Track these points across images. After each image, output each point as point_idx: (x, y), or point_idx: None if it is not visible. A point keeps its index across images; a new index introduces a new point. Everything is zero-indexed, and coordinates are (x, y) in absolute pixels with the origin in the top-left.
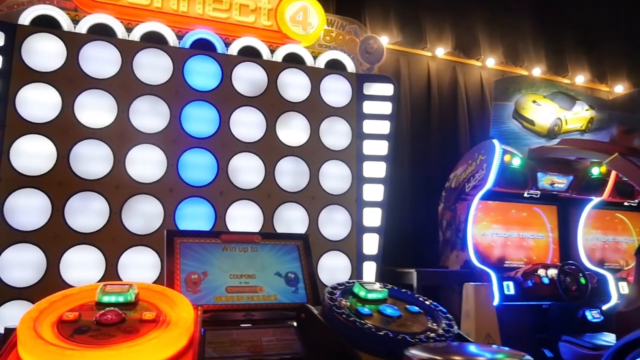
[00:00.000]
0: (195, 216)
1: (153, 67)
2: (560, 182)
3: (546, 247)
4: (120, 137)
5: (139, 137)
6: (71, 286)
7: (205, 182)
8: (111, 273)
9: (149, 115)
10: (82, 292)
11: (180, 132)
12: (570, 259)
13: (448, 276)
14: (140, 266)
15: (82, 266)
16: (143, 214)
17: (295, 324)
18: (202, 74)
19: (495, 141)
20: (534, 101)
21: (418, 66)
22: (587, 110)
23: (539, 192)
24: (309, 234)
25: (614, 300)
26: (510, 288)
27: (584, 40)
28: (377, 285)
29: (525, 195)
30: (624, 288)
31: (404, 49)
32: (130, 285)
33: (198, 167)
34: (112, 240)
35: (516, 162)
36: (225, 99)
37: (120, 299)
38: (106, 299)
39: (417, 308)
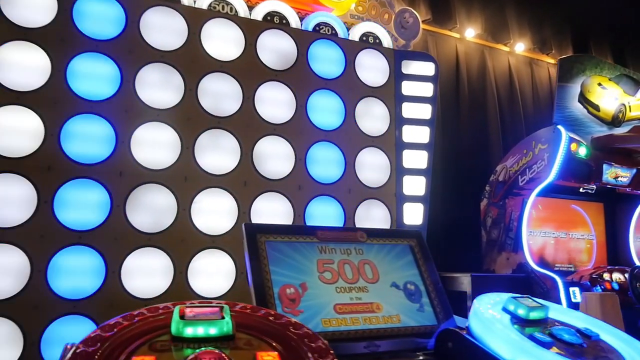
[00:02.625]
0: (213, 210)
1: (163, 29)
2: (624, 175)
3: (590, 248)
4: (127, 113)
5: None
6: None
7: (226, 170)
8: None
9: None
10: (154, 316)
11: (198, 108)
12: (619, 261)
13: (507, 281)
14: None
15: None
16: (152, 207)
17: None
18: (221, 39)
19: (561, 128)
20: (599, 84)
21: (446, 48)
22: None
23: (594, 187)
24: (420, 231)
25: None
26: (577, 295)
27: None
28: (529, 300)
29: (581, 190)
30: None
31: (433, 29)
32: (220, 307)
33: (218, 151)
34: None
35: (582, 151)
36: (248, 71)
37: (212, 331)
38: (190, 331)
39: (585, 327)
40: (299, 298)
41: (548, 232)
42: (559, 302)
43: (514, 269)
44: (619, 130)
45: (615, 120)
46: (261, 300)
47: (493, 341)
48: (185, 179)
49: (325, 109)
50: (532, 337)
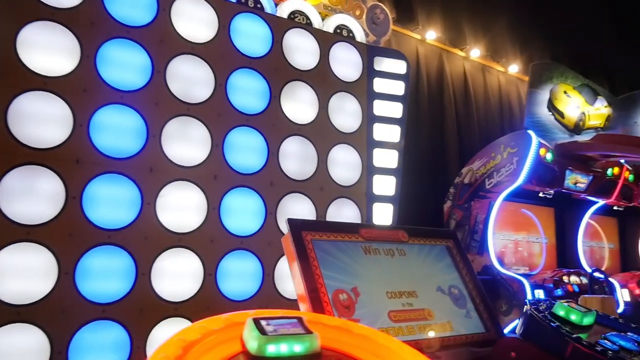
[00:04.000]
0: (177, 207)
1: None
2: (582, 181)
3: (540, 251)
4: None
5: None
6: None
7: (192, 164)
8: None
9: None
10: (225, 329)
11: (165, 93)
12: (568, 264)
13: (485, 285)
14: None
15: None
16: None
17: None
18: (193, 20)
19: (531, 132)
20: (565, 92)
21: (407, 48)
22: (605, 107)
23: (552, 192)
24: (455, 232)
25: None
26: (541, 297)
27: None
28: (574, 304)
29: (540, 195)
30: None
31: (396, 28)
32: (298, 318)
33: (183, 141)
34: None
35: (549, 157)
36: (221, 56)
37: (297, 349)
38: (272, 349)
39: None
40: (353, 305)
41: (506, 235)
42: (524, 304)
43: (478, 271)
44: (579, 138)
45: (577, 128)
46: (317, 308)
47: (556, 349)
48: (151, 169)
49: (299, 102)
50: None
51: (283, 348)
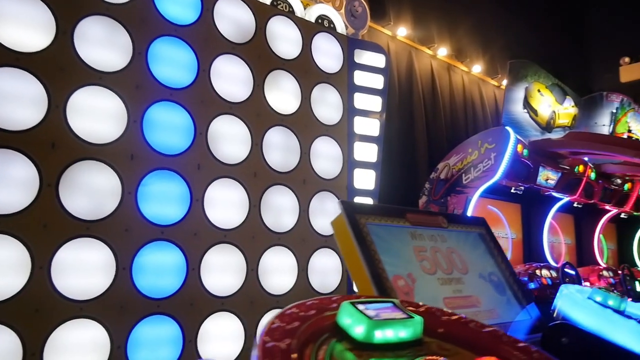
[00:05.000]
0: (161, 199)
1: None
2: (552, 178)
3: (507, 247)
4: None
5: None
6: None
7: (176, 151)
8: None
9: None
10: (319, 313)
11: (147, 75)
12: (534, 258)
13: None
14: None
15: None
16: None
17: None
18: (173, 2)
19: (509, 129)
20: (539, 90)
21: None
22: (572, 107)
23: (523, 188)
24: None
25: None
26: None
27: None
28: (611, 291)
29: (512, 191)
30: None
31: (369, 23)
32: (392, 302)
33: (167, 128)
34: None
35: (525, 153)
36: (205, 40)
37: (402, 334)
38: (379, 335)
39: None
40: (412, 291)
41: None
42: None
43: None
44: (550, 136)
45: (548, 126)
46: (383, 294)
47: (611, 334)
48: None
49: (282, 92)
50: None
51: (389, 334)
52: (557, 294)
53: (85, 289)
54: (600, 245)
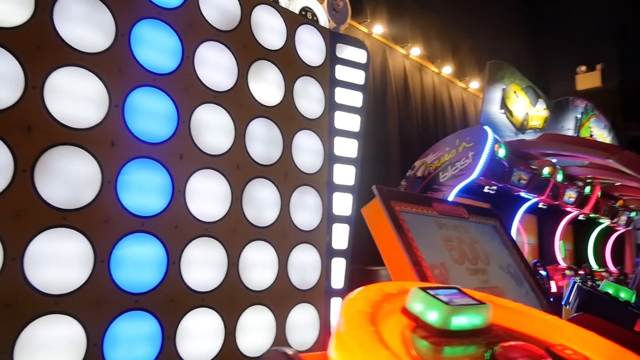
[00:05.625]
0: (142, 188)
1: None
2: (525, 178)
3: None
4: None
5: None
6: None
7: (158, 139)
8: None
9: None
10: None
11: (130, 58)
12: None
13: None
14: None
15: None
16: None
17: None
18: None
19: (487, 128)
20: (515, 92)
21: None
22: (544, 109)
23: (495, 188)
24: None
25: None
26: None
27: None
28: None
29: (485, 190)
30: None
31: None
32: (457, 288)
33: (149, 114)
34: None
35: (502, 153)
36: (189, 25)
37: (475, 321)
38: (456, 321)
39: None
40: (447, 280)
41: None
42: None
43: None
44: (523, 137)
45: (522, 127)
46: (424, 282)
47: (623, 324)
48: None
49: (266, 83)
50: None
51: (463, 320)
52: (570, 288)
53: (61, 282)
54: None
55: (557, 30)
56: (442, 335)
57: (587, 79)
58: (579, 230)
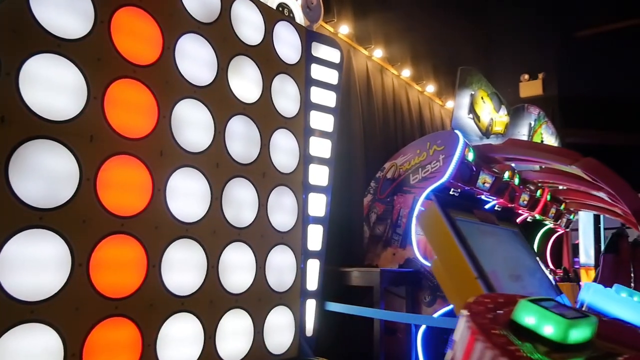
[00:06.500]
0: (122, 186)
1: None
2: (488, 181)
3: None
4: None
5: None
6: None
7: (138, 135)
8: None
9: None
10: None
11: (110, 48)
12: None
13: (405, 275)
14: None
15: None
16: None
17: None
18: None
19: (458, 132)
20: (482, 97)
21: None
22: (506, 115)
23: (459, 191)
24: None
25: None
26: None
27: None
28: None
29: (451, 193)
30: None
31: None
32: (554, 300)
33: (129, 108)
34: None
35: (470, 157)
36: (169, 15)
37: (587, 334)
38: (574, 335)
39: None
40: (501, 287)
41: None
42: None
43: (400, 264)
44: (488, 141)
45: (487, 132)
46: (491, 291)
47: None
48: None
49: (244, 79)
50: None
51: (579, 333)
52: (582, 290)
53: (37, 288)
54: None
55: (503, 39)
56: (559, 350)
57: (530, 87)
58: (526, 232)
